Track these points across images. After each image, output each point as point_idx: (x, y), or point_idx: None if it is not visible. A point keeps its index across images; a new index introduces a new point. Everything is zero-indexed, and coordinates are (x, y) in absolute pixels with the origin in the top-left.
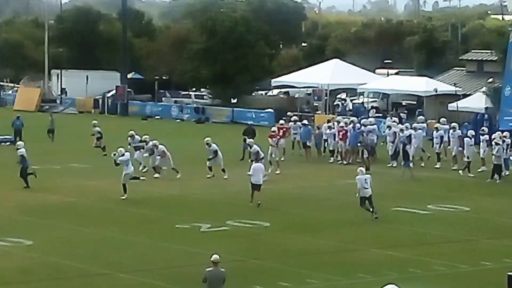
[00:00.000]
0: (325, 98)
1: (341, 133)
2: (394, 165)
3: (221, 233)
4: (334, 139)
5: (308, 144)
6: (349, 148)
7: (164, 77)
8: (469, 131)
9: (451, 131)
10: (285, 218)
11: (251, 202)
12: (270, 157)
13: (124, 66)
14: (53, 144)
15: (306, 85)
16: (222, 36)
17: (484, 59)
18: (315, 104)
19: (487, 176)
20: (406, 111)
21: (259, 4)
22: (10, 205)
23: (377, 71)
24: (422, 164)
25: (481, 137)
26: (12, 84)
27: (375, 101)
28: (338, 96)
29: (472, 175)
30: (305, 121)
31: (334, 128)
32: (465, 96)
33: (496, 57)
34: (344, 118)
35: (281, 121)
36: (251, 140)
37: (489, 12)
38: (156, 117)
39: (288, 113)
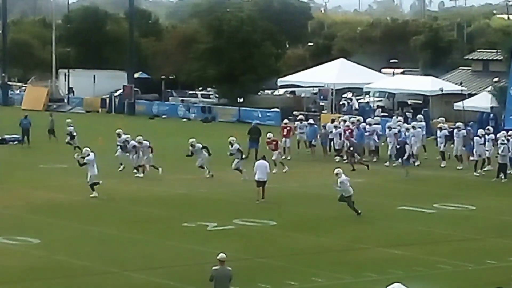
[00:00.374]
0: (331, 97)
1: (347, 132)
2: (394, 164)
3: (228, 232)
4: (340, 138)
5: (313, 143)
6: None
7: (170, 77)
8: (479, 130)
9: (455, 130)
10: (291, 217)
11: (257, 199)
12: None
13: (131, 65)
14: (60, 143)
15: (312, 85)
16: (229, 36)
17: (490, 58)
18: (321, 103)
19: (493, 175)
20: (411, 111)
21: (265, 4)
22: (18, 204)
23: (383, 70)
24: (418, 163)
25: (486, 136)
26: (19, 84)
27: (381, 100)
28: (344, 95)
29: (478, 174)
30: (311, 121)
31: (340, 127)
32: (470, 95)
33: (502, 57)
34: (350, 118)
35: (285, 121)
36: (233, 138)
37: (494, 11)
38: (163, 116)
39: (295, 113)
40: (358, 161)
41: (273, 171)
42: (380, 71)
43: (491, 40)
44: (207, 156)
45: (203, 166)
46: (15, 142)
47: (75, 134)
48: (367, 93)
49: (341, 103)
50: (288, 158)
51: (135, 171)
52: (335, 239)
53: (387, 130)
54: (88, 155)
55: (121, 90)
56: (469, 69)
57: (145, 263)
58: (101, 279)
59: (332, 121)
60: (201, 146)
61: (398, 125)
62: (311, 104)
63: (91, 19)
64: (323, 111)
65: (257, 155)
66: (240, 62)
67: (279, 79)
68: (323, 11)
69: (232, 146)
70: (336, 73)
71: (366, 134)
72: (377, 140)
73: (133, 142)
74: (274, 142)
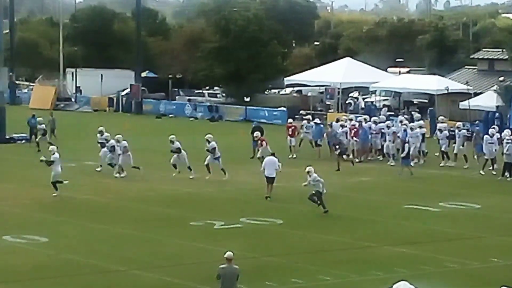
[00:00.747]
0: (338, 96)
1: (352, 131)
2: (392, 163)
3: (235, 230)
4: (347, 138)
5: (319, 142)
6: (360, 146)
7: (177, 76)
8: (490, 130)
9: (456, 130)
10: (298, 216)
11: (267, 196)
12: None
13: (138, 64)
14: (68, 141)
15: (319, 84)
16: (235, 35)
17: (495, 57)
18: (327, 102)
19: (498, 174)
20: (417, 110)
21: (272, 3)
22: (26, 202)
23: (389, 69)
24: (421, 162)
25: (497, 135)
26: (27, 83)
27: (387, 99)
28: (351, 94)
29: (483, 173)
30: (317, 120)
31: (346, 126)
32: (476, 94)
33: (507, 56)
34: (357, 117)
35: (290, 120)
36: (210, 135)
37: (500, 11)
38: (170, 115)
39: (301, 112)
40: (346, 159)
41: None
42: (386, 70)
43: (497, 39)
44: (184, 155)
45: (176, 166)
46: (23, 141)
47: (44, 131)
48: (373, 92)
49: (347, 102)
50: (294, 156)
51: (116, 174)
52: (341, 238)
53: (386, 128)
54: (54, 153)
55: (128, 89)
56: (474, 68)
57: (153, 261)
58: (109, 278)
59: (337, 120)
60: (179, 145)
61: (404, 125)
62: (318, 103)
63: (98, 18)
64: (329, 110)
65: None
66: (247, 61)
67: (285, 78)
68: (329, 11)
69: (209, 144)
70: (343, 72)
71: (373, 133)
72: (377, 141)
73: (112, 142)
74: (293, 128)
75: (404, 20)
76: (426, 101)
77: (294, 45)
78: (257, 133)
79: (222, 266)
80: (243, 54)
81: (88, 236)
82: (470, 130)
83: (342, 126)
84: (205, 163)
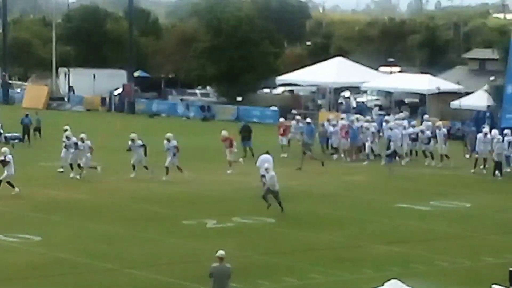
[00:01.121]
0: (329, 96)
1: (343, 130)
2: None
3: (227, 229)
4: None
5: (310, 142)
6: (350, 146)
7: (170, 75)
8: (484, 129)
9: (437, 130)
10: (289, 215)
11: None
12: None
13: (130, 64)
14: (59, 141)
15: (311, 83)
16: (228, 35)
17: (486, 57)
18: (319, 102)
19: (489, 173)
20: (409, 109)
21: (264, 3)
22: (19, 202)
23: (381, 69)
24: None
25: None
26: (20, 82)
27: (378, 99)
28: (342, 94)
29: (474, 171)
30: (309, 119)
31: (337, 125)
32: (467, 94)
33: (498, 56)
34: (349, 117)
35: (282, 119)
36: (170, 134)
37: (491, 11)
38: (163, 114)
39: (293, 111)
40: (311, 158)
41: (228, 171)
42: (377, 70)
43: (488, 39)
44: (143, 156)
45: (135, 166)
46: (16, 141)
47: (1, 131)
48: (365, 91)
49: (339, 101)
50: (285, 155)
51: (71, 174)
52: (333, 236)
53: (373, 128)
54: (8, 155)
55: (121, 89)
56: (465, 68)
57: (145, 260)
58: (102, 276)
59: (328, 120)
60: (141, 143)
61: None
62: (309, 103)
63: (91, 18)
64: (321, 110)
65: (252, 151)
66: (239, 61)
67: (277, 78)
68: (321, 11)
69: (169, 142)
70: (334, 72)
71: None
72: (364, 140)
73: (74, 139)
74: (228, 140)
75: (396, 20)
76: (418, 100)
77: (286, 44)
78: (224, 133)
79: (214, 265)
80: (235, 53)
81: (81, 235)
82: (461, 129)
83: (334, 125)
84: (166, 164)
